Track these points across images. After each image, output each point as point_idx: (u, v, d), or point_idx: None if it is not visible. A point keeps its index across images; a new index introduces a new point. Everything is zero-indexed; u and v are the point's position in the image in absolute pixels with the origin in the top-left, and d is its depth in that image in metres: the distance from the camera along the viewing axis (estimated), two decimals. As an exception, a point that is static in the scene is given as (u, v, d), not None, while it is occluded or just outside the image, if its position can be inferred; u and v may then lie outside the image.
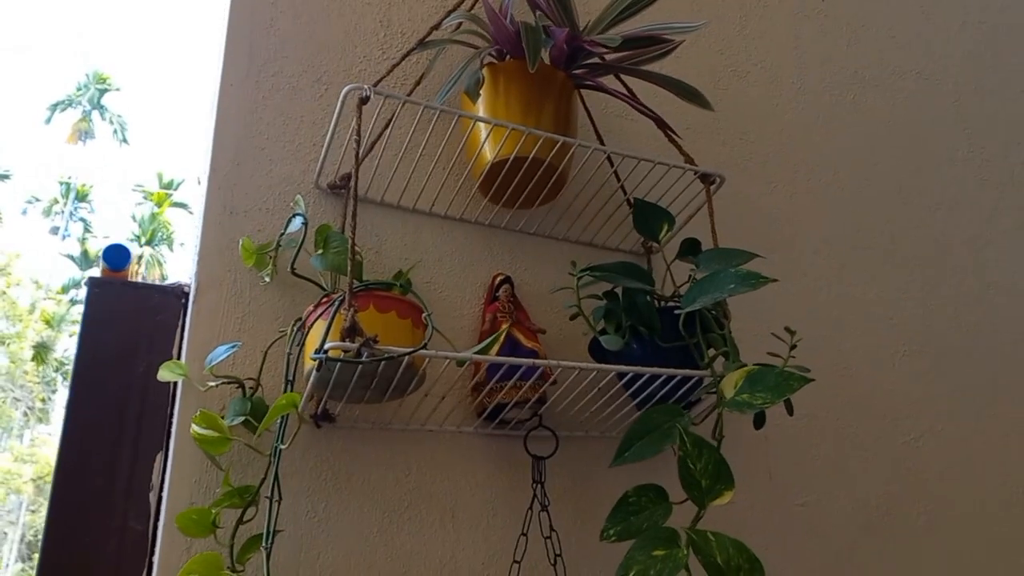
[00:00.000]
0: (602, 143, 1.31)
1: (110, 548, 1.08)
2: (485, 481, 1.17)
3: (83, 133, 26.53)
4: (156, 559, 1.02)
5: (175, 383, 1.11)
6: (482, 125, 1.15)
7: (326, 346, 0.92)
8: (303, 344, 1.03)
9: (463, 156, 1.20)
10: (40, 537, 1.10)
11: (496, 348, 1.11)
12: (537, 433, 1.14)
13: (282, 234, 1.10)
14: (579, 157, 1.20)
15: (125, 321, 1.16)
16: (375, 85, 1.09)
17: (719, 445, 0.98)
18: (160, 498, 1.09)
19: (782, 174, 1.53)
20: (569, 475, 1.20)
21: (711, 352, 1.09)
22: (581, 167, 1.22)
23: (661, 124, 1.24)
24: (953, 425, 1.49)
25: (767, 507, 1.32)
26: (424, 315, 1.01)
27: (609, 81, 1.26)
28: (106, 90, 26.97)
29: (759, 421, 1.09)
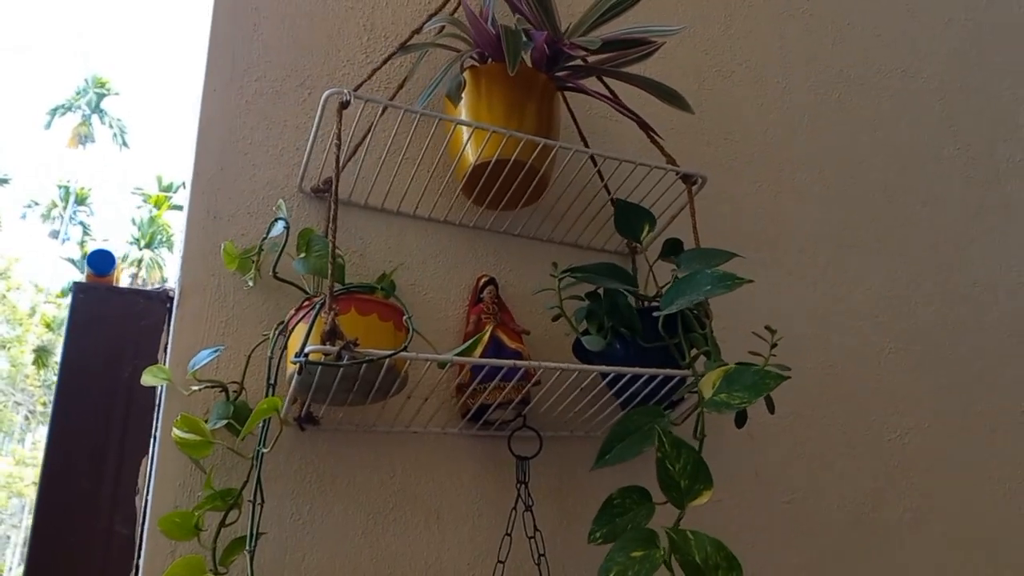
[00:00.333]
0: (586, 144, 1.32)
1: (96, 552, 1.08)
2: (470, 482, 1.17)
3: (83, 137, 26.57)
4: (141, 563, 1.02)
5: (159, 387, 1.11)
6: (464, 128, 1.15)
7: (306, 349, 0.93)
8: (285, 347, 1.04)
9: (446, 159, 1.21)
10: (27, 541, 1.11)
11: (479, 350, 1.12)
12: (521, 434, 1.15)
13: (265, 238, 1.11)
14: (562, 158, 1.20)
15: (110, 326, 1.16)
16: (356, 89, 1.09)
17: (700, 445, 0.98)
18: (145, 502, 1.10)
19: (767, 173, 1.54)
20: (553, 475, 1.20)
21: (694, 352, 1.10)
22: (564, 168, 1.22)
23: (643, 125, 1.24)
24: (939, 422, 1.50)
25: (753, 505, 1.32)
26: (405, 317, 1.01)
27: (593, 83, 1.27)
28: (105, 94, 27.02)
29: (740, 420, 1.10)
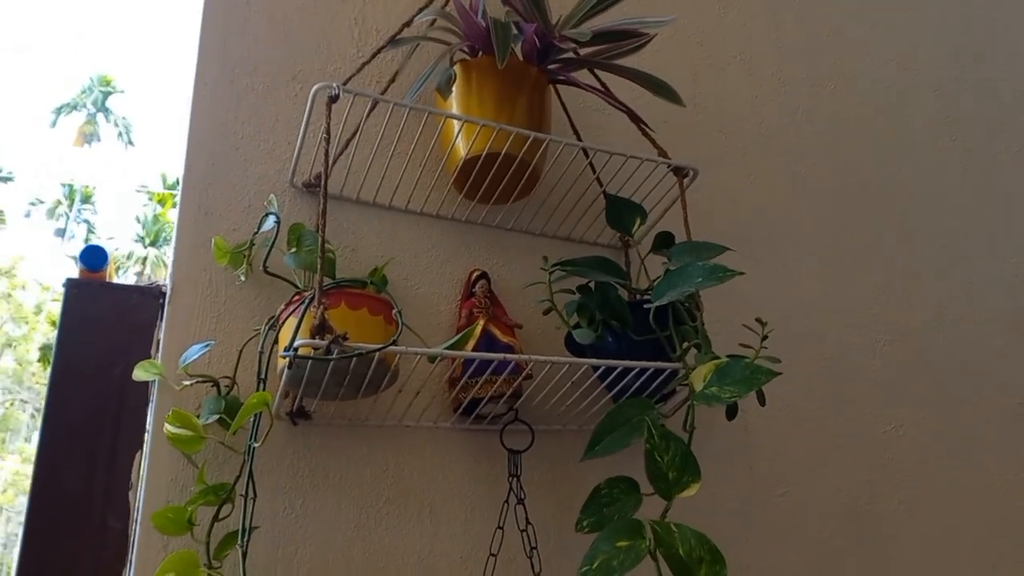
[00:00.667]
0: (579, 137, 1.31)
1: (90, 547, 1.09)
2: (462, 476, 1.17)
3: (88, 136, 26.63)
4: (134, 557, 1.03)
5: (152, 382, 1.12)
6: (455, 121, 1.15)
7: (296, 343, 0.93)
8: (276, 342, 1.04)
9: (437, 152, 1.21)
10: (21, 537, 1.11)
11: (471, 343, 1.12)
12: (513, 427, 1.15)
13: (255, 233, 1.11)
14: (553, 151, 1.20)
15: (103, 322, 1.17)
16: (345, 83, 1.09)
17: (690, 437, 0.98)
18: (138, 496, 1.10)
19: (762, 166, 1.53)
20: (545, 468, 1.21)
21: (685, 344, 1.09)
22: (555, 161, 1.22)
23: (634, 118, 1.24)
24: (934, 415, 1.49)
25: (747, 498, 1.32)
26: (394, 311, 1.01)
27: (585, 75, 1.27)
28: (110, 92, 27.06)
29: (731, 413, 1.10)
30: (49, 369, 1.17)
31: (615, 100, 1.23)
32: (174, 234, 1.17)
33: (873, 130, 1.66)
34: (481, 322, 1.16)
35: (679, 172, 1.22)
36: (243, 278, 1.13)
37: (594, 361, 1.09)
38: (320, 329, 0.93)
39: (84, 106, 26.83)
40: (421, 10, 1.21)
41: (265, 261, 1.10)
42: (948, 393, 1.52)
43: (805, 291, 1.49)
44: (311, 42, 1.29)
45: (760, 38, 1.62)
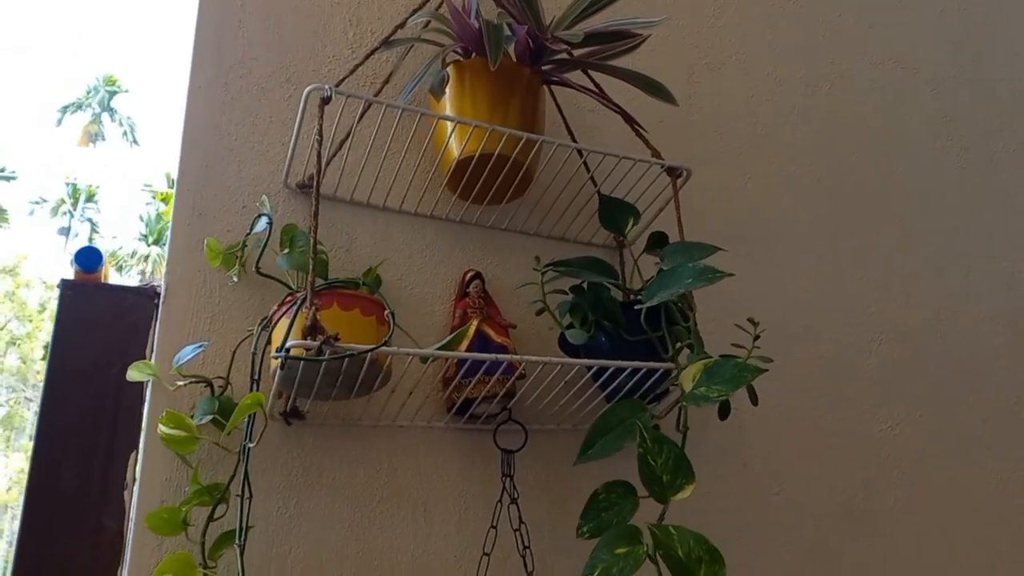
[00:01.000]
0: (573, 138, 1.32)
1: (86, 546, 1.09)
2: (456, 475, 1.18)
3: (93, 135, 26.69)
4: (128, 556, 1.03)
5: (146, 383, 1.12)
6: (448, 122, 1.15)
7: (287, 344, 0.94)
8: (269, 342, 1.04)
9: (430, 154, 1.21)
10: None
11: (464, 344, 1.12)
12: (507, 427, 1.15)
13: (248, 234, 1.11)
14: (546, 152, 1.20)
15: (98, 322, 1.17)
16: (338, 85, 1.10)
17: (683, 438, 0.99)
18: (133, 496, 1.11)
19: (757, 166, 1.53)
20: (539, 468, 1.21)
21: (678, 345, 1.10)
22: (549, 162, 1.22)
23: (628, 119, 1.24)
24: (931, 413, 1.49)
25: (742, 497, 1.32)
26: (386, 312, 1.02)
27: (579, 76, 1.27)
28: (115, 92, 27.11)
29: (723, 412, 1.10)
30: (45, 369, 1.18)
31: (609, 101, 1.24)
32: (168, 235, 1.17)
33: (870, 129, 1.66)
34: (475, 322, 1.16)
35: (672, 172, 1.22)
36: (236, 279, 1.14)
37: (587, 361, 1.09)
38: (312, 330, 0.93)
39: (89, 105, 26.89)
40: (414, 12, 1.21)
41: (258, 262, 1.10)
42: (944, 392, 1.52)
43: (801, 290, 1.49)
44: (305, 44, 1.29)
45: (756, 38, 1.62)
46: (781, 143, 1.57)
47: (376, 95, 1.22)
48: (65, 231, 25.32)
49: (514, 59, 1.18)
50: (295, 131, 1.13)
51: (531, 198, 1.28)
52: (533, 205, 1.29)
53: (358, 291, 1.05)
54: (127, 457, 1.14)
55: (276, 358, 0.96)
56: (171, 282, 1.13)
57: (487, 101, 1.16)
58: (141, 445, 1.08)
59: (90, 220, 25.73)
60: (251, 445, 1.00)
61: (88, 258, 1.20)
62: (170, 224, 1.17)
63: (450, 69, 1.17)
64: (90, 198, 25.80)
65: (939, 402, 1.51)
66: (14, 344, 20.05)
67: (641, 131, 1.24)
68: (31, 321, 20.53)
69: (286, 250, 1.08)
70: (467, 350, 1.12)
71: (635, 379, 1.09)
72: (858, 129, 1.65)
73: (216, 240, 1.12)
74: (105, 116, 26.99)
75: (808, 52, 1.66)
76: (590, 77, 1.28)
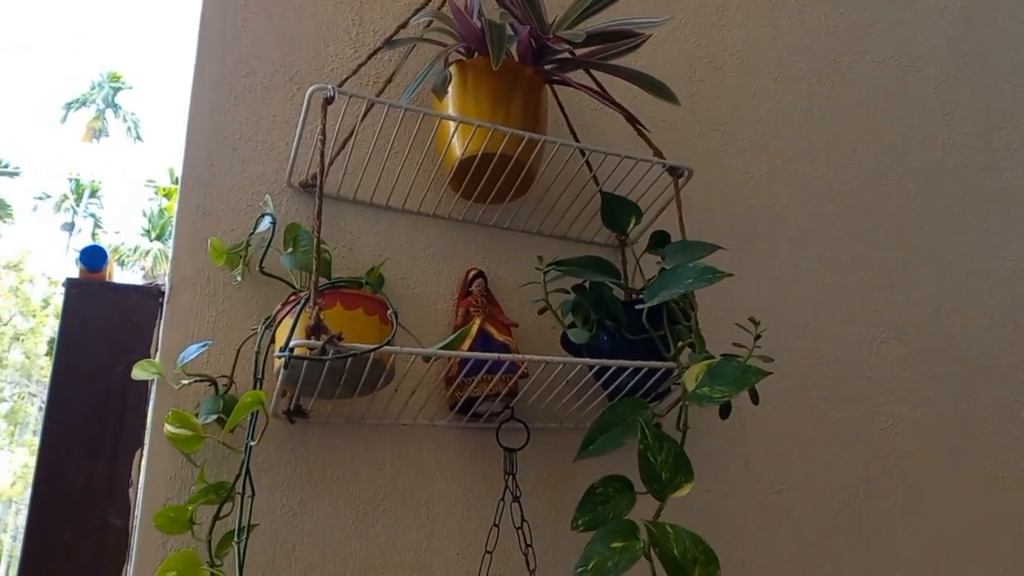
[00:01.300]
0: (575, 137, 1.32)
1: (91, 544, 1.10)
2: (458, 473, 1.19)
3: (97, 131, 26.72)
4: (134, 553, 1.04)
5: (151, 381, 1.13)
6: (451, 122, 1.16)
7: (291, 344, 0.94)
8: (272, 341, 1.05)
9: (433, 153, 1.21)
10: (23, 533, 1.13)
11: (467, 343, 1.13)
12: (509, 425, 1.16)
13: (252, 233, 1.12)
14: (549, 152, 1.21)
15: (103, 321, 1.18)
16: (341, 85, 1.10)
17: (683, 437, 0.99)
18: (138, 494, 1.12)
19: (759, 164, 1.54)
20: (541, 466, 1.21)
21: (679, 344, 1.10)
22: (551, 161, 1.23)
23: (630, 118, 1.25)
24: (932, 411, 1.50)
25: (744, 494, 1.33)
26: (389, 311, 1.02)
27: (581, 76, 1.27)
28: (120, 88, 27.13)
29: (725, 412, 1.10)
30: (50, 367, 1.19)
31: (611, 100, 1.24)
32: (172, 234, 1.18)
33: (871, 127, 1.66)
34: (477, 321, 1.16)
35: (674, 172, 1.23)
36: (240, 278, 1.14)
37: (589, 361, 1.09)
38: (315, 329, 0.94)
39: (93, 102, 26.92)
40: (417, 11, 1.22)
41: (261, 261, 1.11)
42: (945, 390, 1.52)
43: (802, 288, 1.49)
44: (308, 43, 1.30)
45: (757, 36, 1.63)
46: (783, 141, 1.57)
47: (379, 95, 1.22)
48: (69, 227, 25.36)
49: (516, 58, 1.19)
50: (298, 130, 1.13)
51: (533, 197, 1.28)
52: (535, 204, 1.30)
53: (361, 290, 1.06)
54: (132, 455, 1.15)
55: (280, 357, 0.96)
56: (175, 281, 1.14)
57: (489, 100, 1.16)
58: (146, 443, 1.09)
59: (93, 216, 25.77)
60: (253, 443, 1.00)
61: (93, 257, 1.20)
62: (174, 223, 1.17)
63: (452, 69, 1.18)
64: (93, 194, 25.83)
65: (940, 401, 1.51)
66: (18, 340, 20.09)
67: (643, 130, 1.25)
68: (35, 317, 20.56)
69: (289, 249, 1.09)
70: (470, 349, 1.12)
71: (637, 378, 1.09)
72: (860, 127, 1.65)
73: (220, 240, 1.13)
74: (109, 112, 27.03)
75: (810, 50, 1.66)
76: (592, 76, 1.28)
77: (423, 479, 1.17)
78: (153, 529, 0.99)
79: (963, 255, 1.64)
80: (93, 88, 27.06)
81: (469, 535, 1.16)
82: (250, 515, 0.97)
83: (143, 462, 1.08)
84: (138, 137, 27.37)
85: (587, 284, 1.15)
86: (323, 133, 1.02)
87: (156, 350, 1.16)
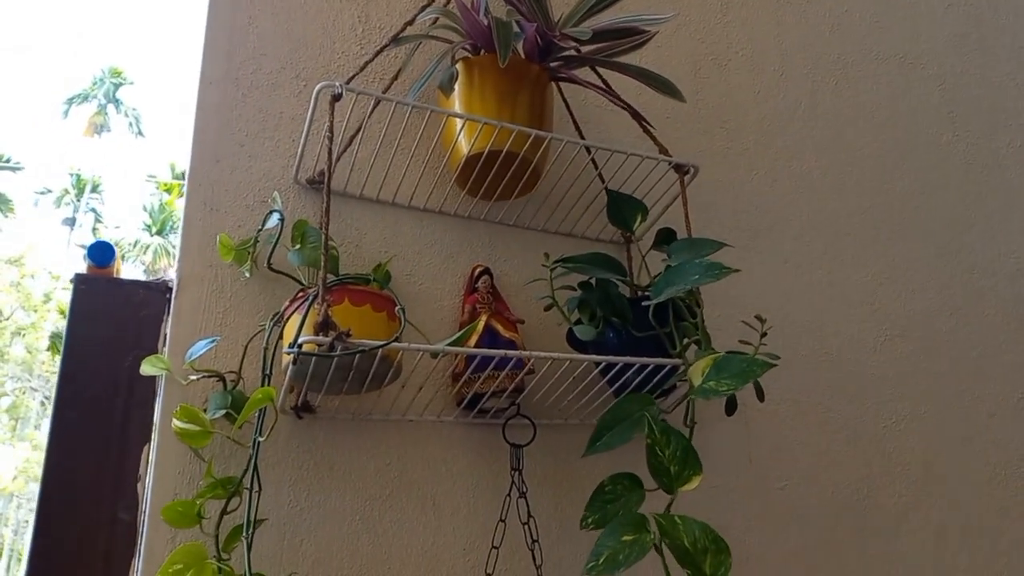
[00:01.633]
0: (581, 134, 1.32)
1: (100, 537, 1.11)
2: (465, 469, 1.19)
3: (99, 127, 26.74)
4: (142, 548, 1.05)
5: (159, 377, 1.13)
6: (457, 119, 1.16)
7: (300, 340, 0.95)
8: (281, 337, 1.05)
9: (439, 150, 1.22)
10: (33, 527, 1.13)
11: (473, 339, 1.13)
12: (515, 421, 1.16)
13: (260, 230, 1.12)
14: (555, 149, 1.21)
15: (111, 317, 1.19)
16: (348, 81, 1.11)
17: (691, 432, 1.00)
18: (146, 489, 1.12)
19: (764, 161, 1.54)
20: (547, 462, 1.22)
21: (685, 340, 1.11)
22: (557, 158, 1.23)
23: (636, 115, 1.25)
24: (935, 409, 1.50)
25: (747, 490, 1.33)
26: (397, 308, 1.03)
27: (587, 73, 1.28)
28: (121, 84, 27.15)
29: (731, 407, 1.11)
30: (59, 362, 1.19)
31: (616, 98, 1.24)
32: (180, 231, 1.18)
33: (876, 125, 1.66)
34: (483, 318, 1.17)
35: (680, 169, 1.23)
36: (248, 274, 1.15)
37: (595, 357, 1.10)
38: (323, 326, 0.94)
39: (95, 97, 26.94)
40: (423, 8, 1.22)
41: (269, 258, 1.11)
42: (949, 387, 1.53)
43: (806, 285, 1.50)
44: (315, 40, 1.30)
45: (762, 33, 1.63)
46: (787, 138, 1.58)
47: (385, 91, 1.23)
48: (70, 222, 25.39)
49: (522, 56, 1.19)
50: (306, 127, 1.14)
51: (539, 194, 1.29)
52: (541, 201, 1.30)
53: (369, 287, 1.06)
54: (140, 450, 1.16)
55: (288, 353, 0.97)
56: (183, 277, 1.14)
57: (495, 97, 1.17)
58: (154, 438, 1.10)
59: (94, 211, 25.79)
60: (261, 439, 1.01)
61: (101, 253, 1.21)
62: (181, 219, 1.18)
63: (459, 66, 1.18)
64: (94, 189, 25.85)
65: (943, 397, 1.52)
66: (19, 334, 20.12)
67: (649, 128, 1.25)
68: (36, 312, 20.58)
69: (297, 246, 1.09)
70: (476, 345, 1.13)
71: (643, 375, 1.10)
72: (864, 124, 1.65)
73: (228, 236, 1.13)
74: (111, 108, 27.05)
75: (814, 47, 1.66)
76: (598, 73, 1.29)
77: (430, 475, 1.17)
78: (162, 523, 0.99)
79: (967, 252, 1.64)
80: (94, 83, 27.08)
81: (476, 530, 1.17)
82: (257, 510, 0.98)
83: (151, 457, 1.09)
84: (139, 132, 27.40)
85: (593, 281, 1.15)
86: (331, 130, 1.02)
87: (164, 346, 1.17)
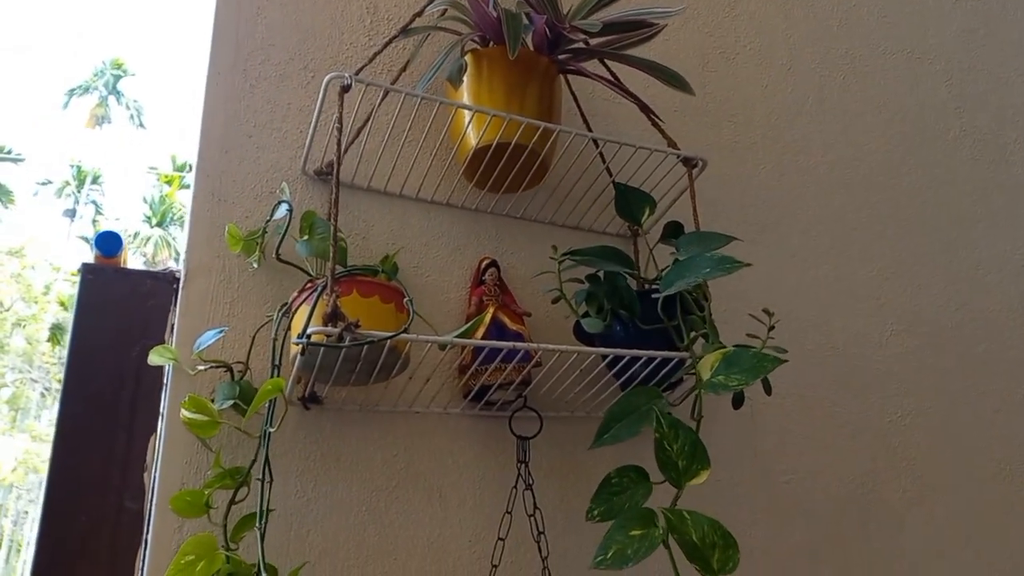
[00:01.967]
0: (588, 127, 1.32)
1: (106, 527, 1.11)
2: (471, 461, 1.19)
3: (100, 118, 26.73)
4: (150, 537, 1.05)
5: (166, 367, 1.13)
6: (465, 111, 1.16)
7: (309, 331, 0.95)
8: (289, 328, 1.05)
9: (447, 142, 1.22)
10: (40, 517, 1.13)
11: (480, 331, 1.14)
12: (522, 414, 1.16)
13: (268, 220, 1.12)
14: (563, 142, 1.21)
15: (118, 306, 1.18)
16: (357, 73, 1.10)
17: (698, 426, 1.00)
18: (153, 478, 1.12)
19: (771, 155, 1.54)
20: (554, 455, 1.22)
21: (693, 334, 1.11)
22: (565, 151, 1.23)
23: (644, 108, 1.25)
24: (941, 403, 1.50)
25: (752, 484, 1.34)
26: (405, 299, 1.03)
27: (595, 65, 1.27)
28: (122, 75, 27.14)
29: (738, 401, 1.11)
30: (65, 351, 1.19)
31: (625, 90, 1.24)
32: (188, 221, 1.18)
33: (883, 119, 1.66)
34: (491, 310, 1.17)
35: (688, 163, 1.23)
36: (256, 265, 1.15)
37: (602, 350, 1.10)
38: (332, 317, 0.94)
39: (96, 88, 26.92)
40: (432, 0, 1.22)
41: (278, 248, 1.11)
42: (954, 382, 1.53)
43: (813, 280, 1.50)
44: (323, 31, 1.30)
45: (770, 27, 1.62)
46: (795, 133, 1.57)
47: (393, 83, 1.23)
48: (70, 213, 25.39)
49: (531, 48, 1.19)
50: (314, 118, 1.13)
51: (546, 187, 1.28)
52: (548, 194, 1.30)
53: (377, 278, 1.06)
54: (147, 440, 1.16)
55: (297, 344, 0.97)
56: (191, 267, 1.14)
57: (504, 90, 1.17)
58: (162, 428, 1.10)
59: (95, 202, 25.79)
60: (272, 430, 1.01)
61: (108, 243, 1.21)
62: (189, 209, 1.18)
63: (468, 57, 1.18)
64: (95, 180, 25.84)
65: (948, 393, 1.52)
66: (20, 325, 20.13)
67: (658, 121, 1.25)
68: (36, 302, 20.59)
69: (305, 237, 1.09)
70: (483, 338, 1.13)
71: (650, 368, 1.10)
72: (871, 119, 1.65)
73: (236, 226, 1.13)
74: (112, 100, 27.03)
75: (822, 41, 1.66)
76: (606, 66, 1.28)
77: (436, 466, 1.18)
78: (169, 513, 0.99)
79: (973, 248, 1.64)
80: (95, 74, 27.05)
81: (482, 522, 1.17)
82: (268, 501, 0.98)
83: (159, 447, 1.09)
84: (140, 124, 27.39)
85: (601, 274, 1.15)
86: (340, 121, 1.02)
87: (171, 336, 1.17)
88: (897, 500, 1.42)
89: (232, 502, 1.00)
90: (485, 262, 1.24)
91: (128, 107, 27.11)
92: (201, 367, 1.08)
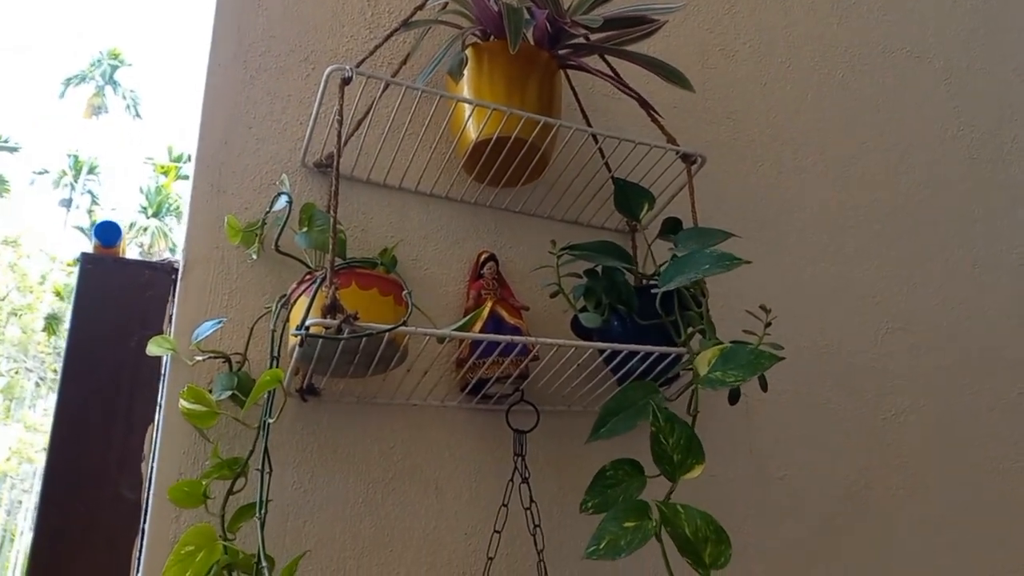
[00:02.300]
0: (588, 122, 1.32)
1: (104, 516, 1.11)
2: (468, 454, 1.20)
3: (97, 108, 26.65)
4: (147, 527, 1.05)
5: (164, 357, 1.14)
6: (466, 105, 1.16)
7: (307, 322, 0.95)
8: (287, 320, 1.06)
9: (448, 135, 1.22)
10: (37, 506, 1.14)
11: (478, 325, 1.14)
12: (519, 407, 1.17)
13: (268, 212, 1.13)
14: (562, 136, 1.21)
15: (117, 296, 1.19)
16: (358, 65, 1.10)
17: (694, 421, 1.00)
18: (151, 468, 1.13)
19: (770, 152, 1.54)
20: (550, 448, 1.22)
21: (690, 330, 1.11)
22: (565, 146, 1.23)
23: (644, 104, 1.25)
24: (935, 402, 1.51)
25: (747, 479, 1.34)
26: (404, 292, 1.03)
27: (595, 61, 1.27)
28: (119, 66, 27.06)
29: (734, 397, 1.11)
30: (62, 341, 1.19)
31: (625, 86, 1.24)
32: (187, 212, 1.18)
33: (881, 117, 1.67)
34: (489, 304, 1.17)
35: (687, 159, 1.23)
36: (255, 256, 1.15)
37: (600, 344, 1.10)
38: (331, 309, 0.95)
39: (92, 78, 26.85)
40: (434, -7, 1.22)
41: (277, 240, 1.11)
42: (949, 381, 1.54)
43: (810, 277, 1.50)
44: (324, 23, 1.30)
45: (770, 24, 1.63)
46: (793, 130, 1.58)
47: (394, 76, 1.23)
48: (67, 203, 25.32)
49: (532, 42, 1.19)
50: (314, 111, 1.13)
51: (546, 181, 1.29)
52: (548, 188, 1.30)
53: (375, 271, 1.07)
54: (144, 430, 1.16)
55: (296, 335, 0.97)
56: (190, 258, 1.14)
57: (504, 84, 1.17)
58: (160, 418, 1.10)
59: (91, 192, 25.73)
60: (271, 421, 1.01)
61: (108, 233, 1.21)
62: (189, 200, 1.18)
63: (468, 51, 1.18)
64: (91, 170, 25.78)
65: (944, 391, 1.53)
66: (15, 315, 20.10)
67: (657, 116, 1.25)
68: (32, 292, 20.56)
69: (304, 228, 1.09)
70: (481, 331, 1.13)
71: (647, 363, 1.10)
72: (870, 117, 1.66)
73: (235, 218, 1.13)
74: (108, 90, 26.96)
75: (822, 39, 1.66)
76: (606, 62, 1.29)
77: (433, 459, 1.18)
78: (167, 503, 1.00)
79: (970, 247, 1.65)
80: (92, 64, 26.97)
81: (478, 515, 1.17)
82: (267, 491, 0.98)
83: (157, 437, 1.09)
84: (137, 115, 27.32)
85: (599, 269, 1.16)
86: (340, 114, 1.02)
87: (170, 326, 1.17)
88: (891, 497, 1.42)
89: (230, 492, 1.00)
90: (484, 256, 1.24)
91: (125, 97, 27.04)
92: (199, 358, 1.08)
